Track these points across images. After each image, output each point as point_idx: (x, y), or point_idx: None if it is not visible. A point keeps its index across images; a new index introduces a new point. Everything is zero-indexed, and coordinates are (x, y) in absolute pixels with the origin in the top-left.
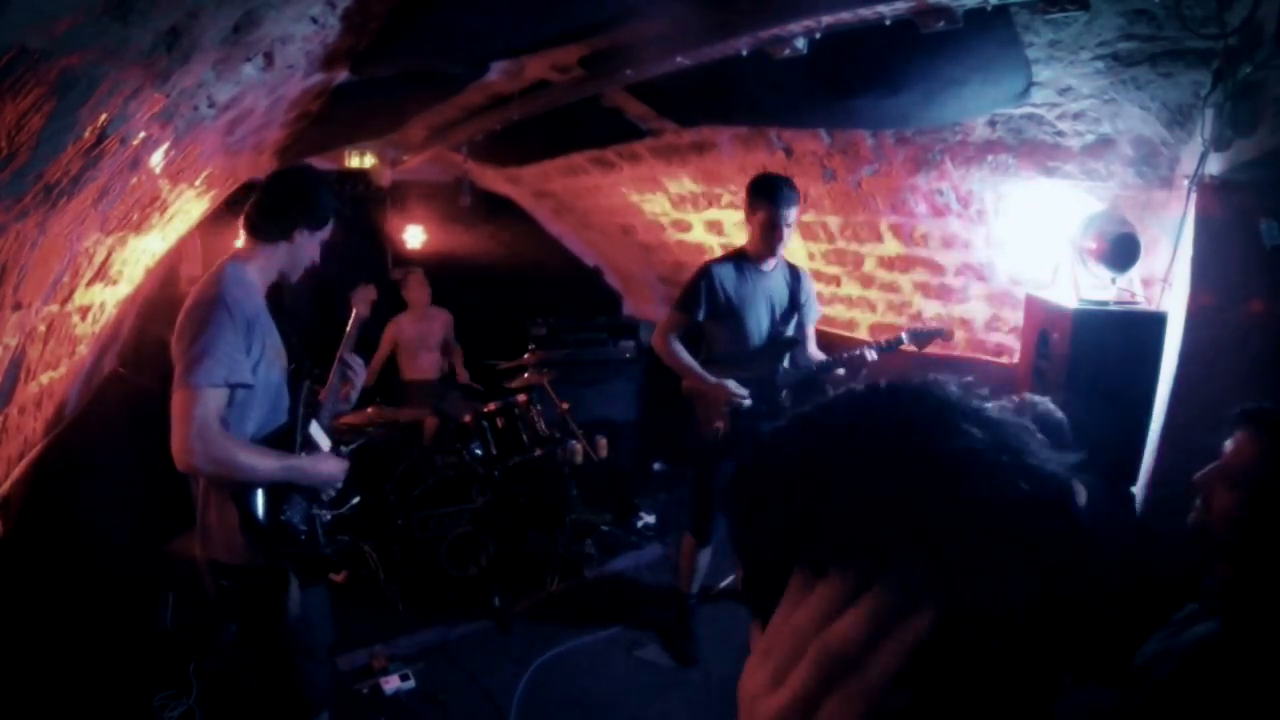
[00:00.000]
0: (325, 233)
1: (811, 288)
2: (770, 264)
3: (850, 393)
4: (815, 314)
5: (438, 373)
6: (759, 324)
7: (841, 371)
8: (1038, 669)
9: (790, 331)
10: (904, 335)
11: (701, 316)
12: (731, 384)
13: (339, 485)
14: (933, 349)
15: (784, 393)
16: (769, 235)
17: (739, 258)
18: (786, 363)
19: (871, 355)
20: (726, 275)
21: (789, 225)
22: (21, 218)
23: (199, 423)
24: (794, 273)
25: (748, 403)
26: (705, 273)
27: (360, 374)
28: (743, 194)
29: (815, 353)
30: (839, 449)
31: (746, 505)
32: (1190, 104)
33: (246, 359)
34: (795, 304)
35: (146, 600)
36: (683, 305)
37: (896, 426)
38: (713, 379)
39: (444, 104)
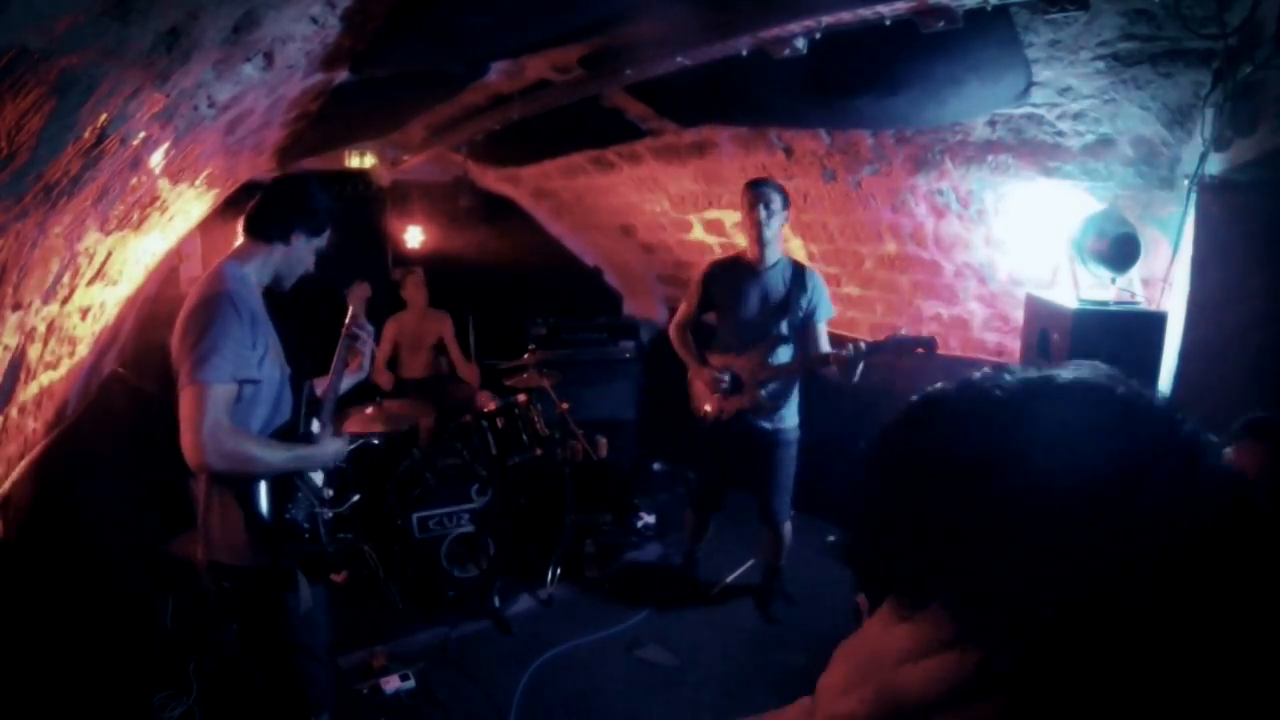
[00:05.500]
0: (322, 240)
1: (817, 287)
2: (767, 263)
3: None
4: (826, 312)
5: (432, 372)
6: (748, 319)
7: (833, 368)
8: None
9: (784, 328)
10: (890, 342)
11: (700, 310)
12: (707, 372)
13: (342, 460)
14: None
15: (768, 385)
16: (749, 224)
17: (737, 258)
18: (784, 355)
19: (862, 348)
20: (720, 274)
21: (767, 210)
22: (21, 218)
23: (210, 420)
24: (796, 273)
25: (725, 386)
26: (703, 270)
27: (370, 339)
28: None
29: (825, 347)
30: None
31: (867, 505)
32: (1190, 104)
33: (253, 354)
34: (790, 302)
35: (146, 600)
36: (686, 299)
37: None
38: (697, 364)
39: (444, 104)
